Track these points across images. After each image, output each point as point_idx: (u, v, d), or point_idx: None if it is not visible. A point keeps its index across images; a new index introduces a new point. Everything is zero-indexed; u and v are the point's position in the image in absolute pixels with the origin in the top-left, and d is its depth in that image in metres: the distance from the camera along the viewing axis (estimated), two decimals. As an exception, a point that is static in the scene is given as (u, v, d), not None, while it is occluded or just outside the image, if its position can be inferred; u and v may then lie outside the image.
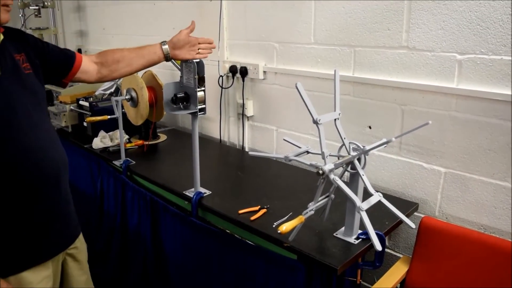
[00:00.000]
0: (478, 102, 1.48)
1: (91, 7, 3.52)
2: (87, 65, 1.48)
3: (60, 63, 1.39)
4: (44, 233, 1.25)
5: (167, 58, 1.58)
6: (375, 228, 1.14)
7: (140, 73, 2.41)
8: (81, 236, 1.44)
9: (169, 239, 1.89)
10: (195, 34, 1.60)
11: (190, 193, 1.73)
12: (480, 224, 1.57)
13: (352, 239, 1.38)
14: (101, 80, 1.55)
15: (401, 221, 1.38)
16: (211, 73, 2.35)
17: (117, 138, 2.32)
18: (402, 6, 1.60)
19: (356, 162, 1.29)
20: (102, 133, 2.38)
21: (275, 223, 1.47)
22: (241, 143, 2.40)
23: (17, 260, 1.20)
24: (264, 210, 1.57)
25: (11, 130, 1.14)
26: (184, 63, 1.63)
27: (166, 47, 1.57)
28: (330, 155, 1.24)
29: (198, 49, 1.59)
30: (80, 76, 1.46)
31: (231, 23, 2.28)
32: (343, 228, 1.43)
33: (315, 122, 1.20)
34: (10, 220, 1.17)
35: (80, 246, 1.42)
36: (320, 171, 1.18)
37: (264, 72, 2.17)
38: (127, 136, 2.41)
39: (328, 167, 1.18)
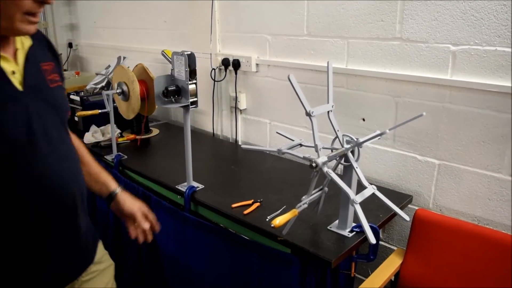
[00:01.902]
0: (472, 94, 1.48)
1: (81, 0, 3.47)
2: None
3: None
4: (51, 267, 1.09)
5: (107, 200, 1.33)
6: (369, 221, 1.14)
7: (131, 67, 2.38)
8: (104, 257, 1.27)
9: (162, 234, 1.87)
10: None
11: (182, 187, 1.71)
12: (474, 216, 1.57)
13: (346, 232, 1.37)
14: None
15: (395, 214, 1.38)
16: (203, 66, 2.32)
17: (109, 132, 2.29)
18: (395, -3, 1.59)
19: (349, 154, 1.28)
20: (93, 127, 2.35)
21: (268, 217, 1.46)
22: (234, 137, 2.38)
23: None
24: (257, 204, 1.56)
25: (26, 155, 0.96)
26: (175, 56, 1.61)
27: (114, 194, 1.30)
28: (323, 148, 1.23)
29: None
30: None
31: (223, 16, 2.26)
32: (337, 221, 1.42)
33: (308, 114, 1.19)
34: (15, 254, 1.01)
35: (95, 275, 1.22)
36: (314, 164, 1.17)
37: (257, 64, 2.15)
38: (119, 131, 2.39)
39: (321, 160, 1.17)
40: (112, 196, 1.30)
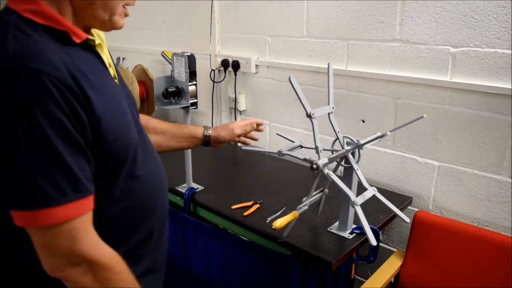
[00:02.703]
0: (471, 95, 1.48)
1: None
2: None
3: None
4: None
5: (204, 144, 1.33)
6: (369, 223, 1.14)
7: (131, 68, 2.38)
8: None
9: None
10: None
11: (182, 188, 1.71)
12: (474, 217, 1.57)
13: (346, 234, 1.37)
14: None
15: (395, 215, 1.38)
16: (203, 67, 2.32)
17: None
18: (395, -1, 1.59)
19: (350, 156, 1.28)
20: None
21: (268, 219, 1.46)
22: (233, 138, 2.38)
23: None
24: (257, 206, 1.55)
25: (142, 151, 0.89)
26: (175, 57, 1.61)
27: (208, 137, 1.30)
28: (324, 150, 1.23)
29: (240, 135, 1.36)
30: None
31: (223, 17, 2.26)
32: (337, 223, 1.42)
33: (309, 116, 1.19)
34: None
35: None
36: (314, 166, 1.17)
37: (256, 65, 2.15)
38: (118, 132, 2.38)
39: (322, 161, 1.17)
40: (207, 140, 1.29)
